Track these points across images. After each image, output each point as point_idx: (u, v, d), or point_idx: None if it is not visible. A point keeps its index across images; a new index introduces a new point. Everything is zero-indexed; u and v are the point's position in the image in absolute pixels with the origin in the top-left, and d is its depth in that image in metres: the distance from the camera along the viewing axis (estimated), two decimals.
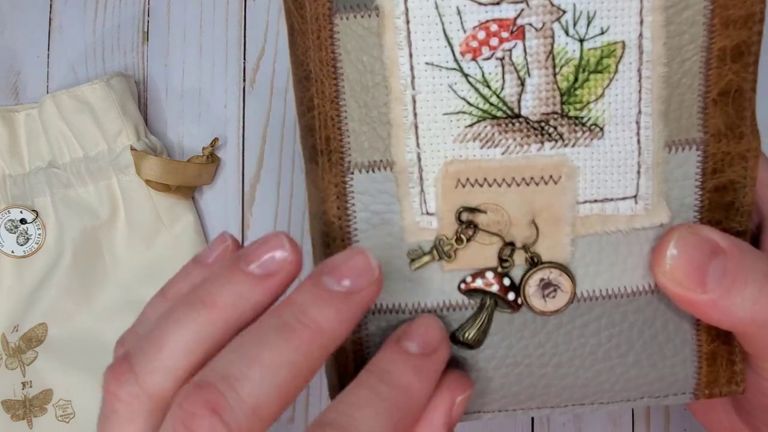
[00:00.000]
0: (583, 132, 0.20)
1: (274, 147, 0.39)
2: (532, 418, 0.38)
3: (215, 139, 0.38)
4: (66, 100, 0.35)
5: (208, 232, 0.39)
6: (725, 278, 0.20)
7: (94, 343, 0.37)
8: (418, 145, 0.21)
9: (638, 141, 0.21)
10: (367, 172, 0.21)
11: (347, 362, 0.23)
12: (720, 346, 0.22)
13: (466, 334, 0.22)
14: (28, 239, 0.37)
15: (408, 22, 0.20)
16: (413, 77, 0.20)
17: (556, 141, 0.20)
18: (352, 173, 0.21)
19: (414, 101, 0.20)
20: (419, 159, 0.21)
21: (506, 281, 0.21)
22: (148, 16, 0.40)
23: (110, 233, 0.37)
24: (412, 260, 0.22)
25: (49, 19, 0.40)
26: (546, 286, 0.21)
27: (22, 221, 0.36)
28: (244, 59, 0.39)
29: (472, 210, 0.21)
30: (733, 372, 0.22)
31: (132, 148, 0.36)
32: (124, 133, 0.36)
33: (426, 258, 0.22)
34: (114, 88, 0.36)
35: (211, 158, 0.38)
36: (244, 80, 0.39)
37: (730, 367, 0.22)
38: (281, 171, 0.39)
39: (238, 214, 0.39)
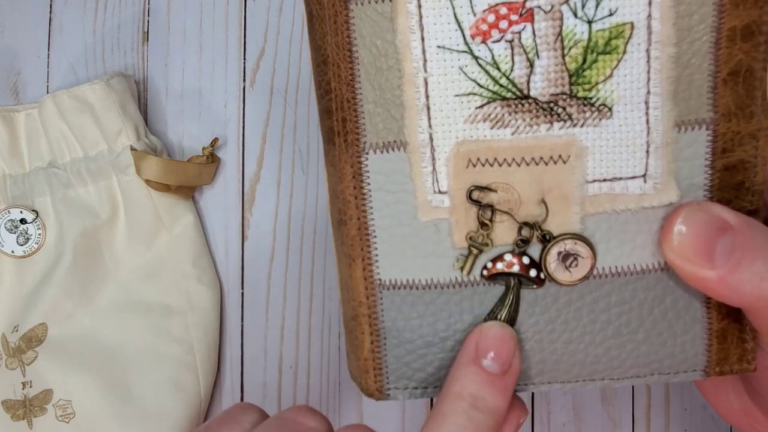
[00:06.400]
0: (592, 112, 0.21)
1: (274, 147, 0.39)
2: (533, 418, 0.38)
3: (215, 139, 0.38)
4: (66, 100, 0.35)
5: (208, 232, 0.39)
6: (733, 254, 0.20)
7: (94, 343, 0.37)
8: (430, 125, 0.21)
9: (647, 121, 0.21)
10: (382, 152, 0.22)
11: (364, 336, 0.23)
12: (730, 324, 0.22)
13: (498, 317, 0.22)
14: (28, 239, 0.37)
15: (420, 6, 0.20)
16: (425, 60, 0.21)
17: (565, 121, 0.21)
18: (368, 153, 0.22)
19: (426, 83, 0.21)
20: (431, 139, 0.21)
21: (525, 259, 0.22)
22: (148, 16, 0.40)
23: (110, 233, 0.37)
24: (461, 267, 0.22)
25: (49, 19, 0.40)
26: (566, 257, 0.22)
27: (22, 221, 0.36)
28: (244, 59, 0.39)
29: (483, 189, 0.21)
30: (744, 350, 0.23)
31: (132, 148, 0.36)
32: (124, 133, 0.36)
33: (470, 258, 0.22)
34: (114, 88, 0.36)
35: (211, 158, 0.38)
36: (244, 80, 0.39)
37: (740, 344, 0.22)
38: (281, 171, 0.39)
39: (238, 214, 0.39)
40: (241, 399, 0.39)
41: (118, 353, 0.37)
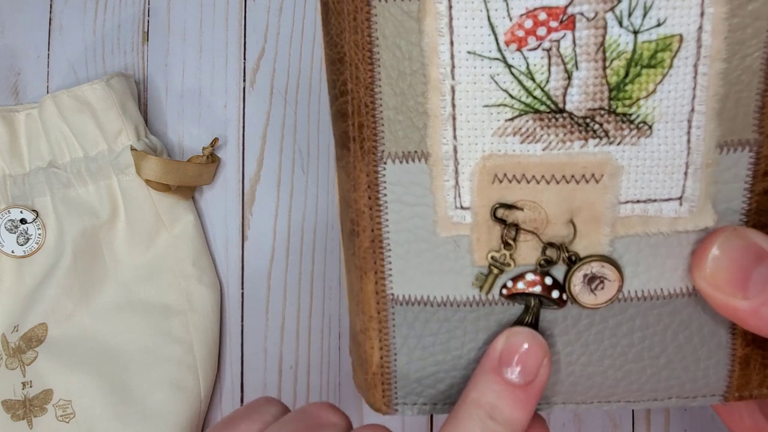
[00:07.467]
0: (631, 130, 0.19)
1: (274, 147, 0.39)
2: None
3: (215, 139, 0.38)
4: (66, 100, 0.35)
5: (208, 232, 0.39)
6: None
7: (94, 343, 0.37)
8: (455, 137, 0.20)
9: (688, 140, 0.19)
10: (401, 162, 0.20)
11: (373, 351, 0.22)
12: (754, 350, 0.22)
13: None
14: (28, 239, 0.36)
15: (451, 7, 0.19)
16: (453, 66, 0.19)
17: (601, 138, 0.19)
18: (385, 163, 0.21)
19: (453, 91, 0.20)
20: (455, 152, 0.20)
21: (548, 280, 0.21)
22: (148, 16, 0.40)
23: (110, 233, 0.37)
24: (480, 287, 0.21)
25: (49, 19, 0.40)
26: (591, 280, 0.21)
27: (22, 221, 0.36)
28: (244, 59, 0.39)
29: (509, 207, 0.20)
30: (765, 375, 0.22)
31: (132, 148, 0.36)
32: (124, 133, 0.36)
33: (490, 277, 0.21)
34: (114, 88, 0.36)
35: (211, 158, 0.38)
36: (244, 80, 0.39)
37: (762, 370, 0.22)
38: (281, 171, 0.39)
39: (238, 214, 0.39)
40: (241, 399, 0.39)
41: (118, 353, 0.37)
